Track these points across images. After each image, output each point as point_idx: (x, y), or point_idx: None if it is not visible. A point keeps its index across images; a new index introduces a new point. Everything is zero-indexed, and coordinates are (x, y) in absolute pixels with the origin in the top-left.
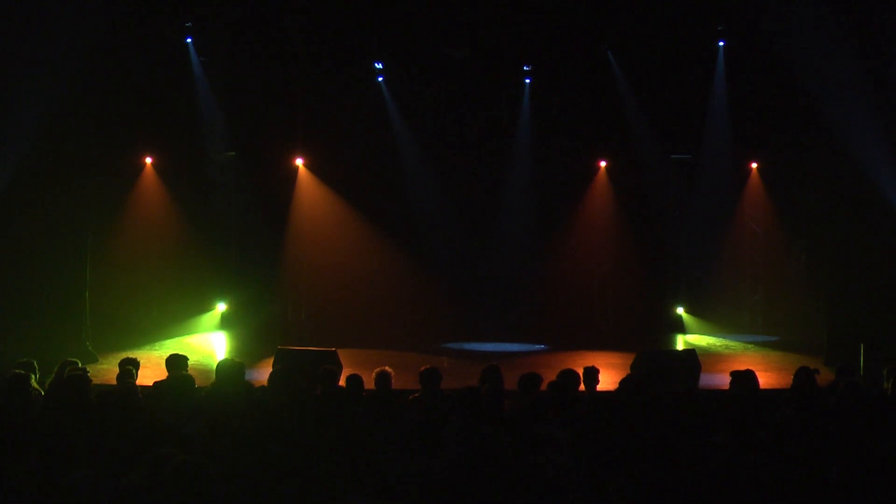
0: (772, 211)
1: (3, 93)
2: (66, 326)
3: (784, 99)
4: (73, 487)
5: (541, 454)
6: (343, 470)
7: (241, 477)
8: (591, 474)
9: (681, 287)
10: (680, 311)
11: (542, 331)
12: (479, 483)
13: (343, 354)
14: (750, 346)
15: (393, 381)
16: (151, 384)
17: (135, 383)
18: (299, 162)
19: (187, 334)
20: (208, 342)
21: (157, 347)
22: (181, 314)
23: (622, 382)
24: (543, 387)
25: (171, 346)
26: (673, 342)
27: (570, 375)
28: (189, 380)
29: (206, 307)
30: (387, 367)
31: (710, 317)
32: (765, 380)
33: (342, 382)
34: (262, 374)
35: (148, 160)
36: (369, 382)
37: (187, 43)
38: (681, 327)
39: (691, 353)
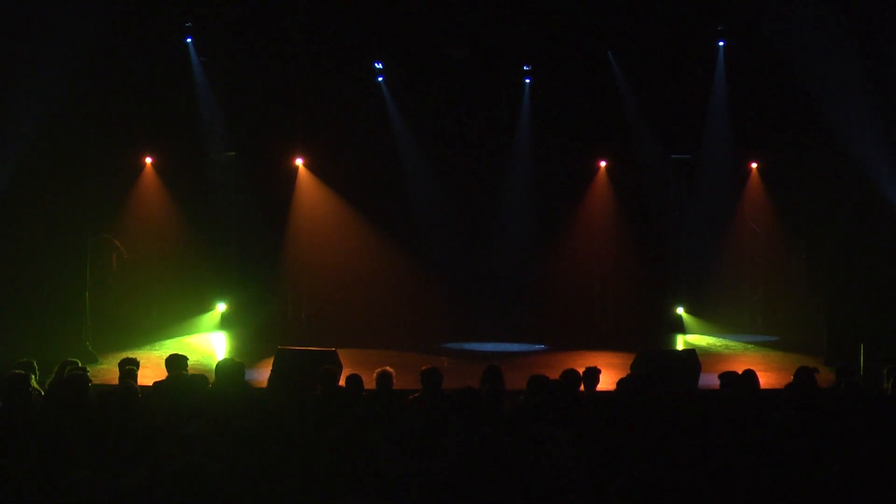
0: (772, 211)
1: (3, 93)
2: (66, 326)
3: (784, 99)
4: (73, 487)
5: (541, 454)
6: (343, 470)
7: (242, 477)
8: (591, 474)
9: (681, 287)
10: (680, 311)
11: (542, 331)
12: (479, 483)
13: (343, 354)
14: (750, 346)
15: (394, 381)
16: (151, 384)
17: (136, 383)
18: (299, 162)
19: (187, 334)
20: (208, 342)
21: (157, 347)
22: (181, 314)
23: (620, 382)
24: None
25: (171, 346)
26: (673, 342)
27: (572, 375)
28: (200, 379)
29: (206, 307)
30: (388, 368)
31: (710, 317)
32: (765, 380)
33: (342, 382)
34: (262, 374)
35: (148, 160)
36: (369, 382)
37: (187, 43)
38: (681, 327)
39: (691, 353)
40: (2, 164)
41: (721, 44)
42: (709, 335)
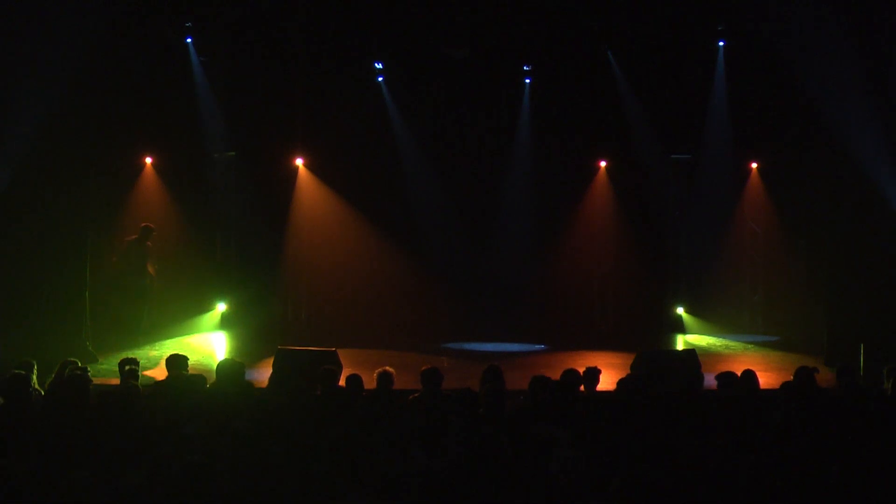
0: (772, 211)
1: (3, 93)
2: (66, 326)
3: (784, 99)
4: (73, 487)
5: (541, 454)
6: (343, 470)
7: (242, 477)
8: (591, 474)
9: (681, 287)
10: (680, 311)
11: (542, 331)
12: (479, 483)
13: (343, 354)
14: (750, 346)
15: (394, 381)
16: (152, 384)
17: (138, 383)
18: (299, 162)
19: (187, 334)
20: (208, 342)
21: (157, 347)
22: (181, 314)
23: (620, 382)
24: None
25: (171, 346)
26: (673, 342)
27: (572, 375)
28: (199, 379)
29: (206, 307)
30: (388, 367)
31: (710, 317)
32: (765, 380)
33: (342, 382)
34: (262, 374)
35: (148, 160)
36: (369, 382)
37: (187, 43)
38: (681, 327)
39: (691, 353)
40: (2, 164)
41: (721, 44)
42: (709, 335)
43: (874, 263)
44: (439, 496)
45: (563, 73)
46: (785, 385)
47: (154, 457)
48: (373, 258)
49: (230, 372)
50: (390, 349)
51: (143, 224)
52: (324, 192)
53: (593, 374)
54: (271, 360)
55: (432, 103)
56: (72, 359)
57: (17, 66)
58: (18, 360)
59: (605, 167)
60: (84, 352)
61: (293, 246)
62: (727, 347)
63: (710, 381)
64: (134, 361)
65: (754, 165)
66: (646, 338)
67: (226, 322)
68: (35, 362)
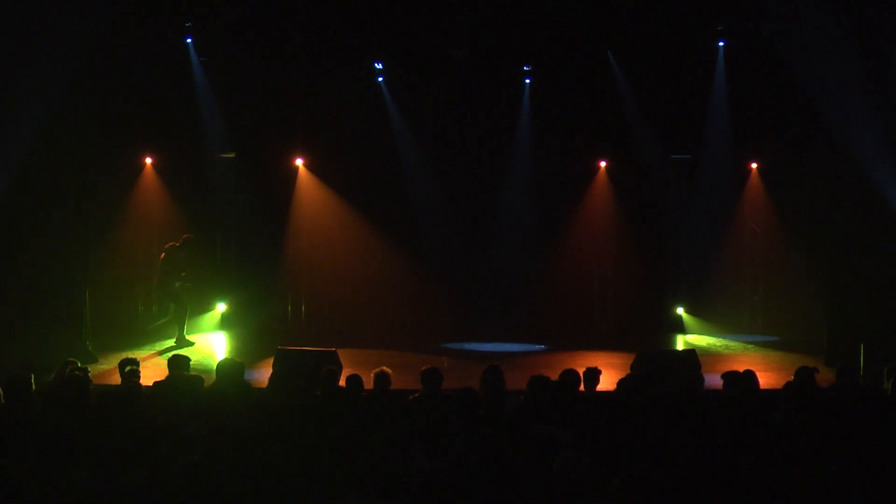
0: (772, 211)
1: (3, 93)
2: (66, 326)
3: (784, 99)
4: (73, 487)
5: (541, 454)
6: (343, 470)
7: (242, 477)
8: (591, 474)
9: (681, 287)
10: (680, 311)
11: (542, 331)
12: (479, 483)
13: (343, 354)
14: (750, 346)
15: (392, 381)
16: (152, 384)
17: (139, 383)
18: (299, 162)
19: (187, 334)
20: (208, 342)
21: (157, 347)
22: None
23: (620, 382)
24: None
25: (170, 346)
26: (673, 342)
27: (571, 375)
28: (196, 380)
29: (206, 307)
30: (385, 367)
31: (710, 317)
32: (765, 380)
33: (342, 382)
34: (262, 374)
35: (148, 160)
36: (369, 382)
37: (187, 43)
38: (681, 327)
39: (691, 353)
40: (2, 164)
41: (721, 44)
42: (709, 335)
43: (874, 263)
44: (439, 496)
45: (563, 73)
46: (787, 385)
47: (154, 457)
48: (373, 258)
49: (230, 372)
50: (390, 349)
51: (186, 235)
52: (324, 192)
53: (593, 374)
54: (271, 360)
55: (432, 103)
56: (72, 359)
57: (17, 66)
58: (18, 360)
59: (605, 167)
60: (84, 352)
61: (293, 246)
62: (727, 347)
63: (711, 380)
64: (134, 361)
65: (754, 165)
66: (646, 338)
67: (226, 322)
68: (35, 362)
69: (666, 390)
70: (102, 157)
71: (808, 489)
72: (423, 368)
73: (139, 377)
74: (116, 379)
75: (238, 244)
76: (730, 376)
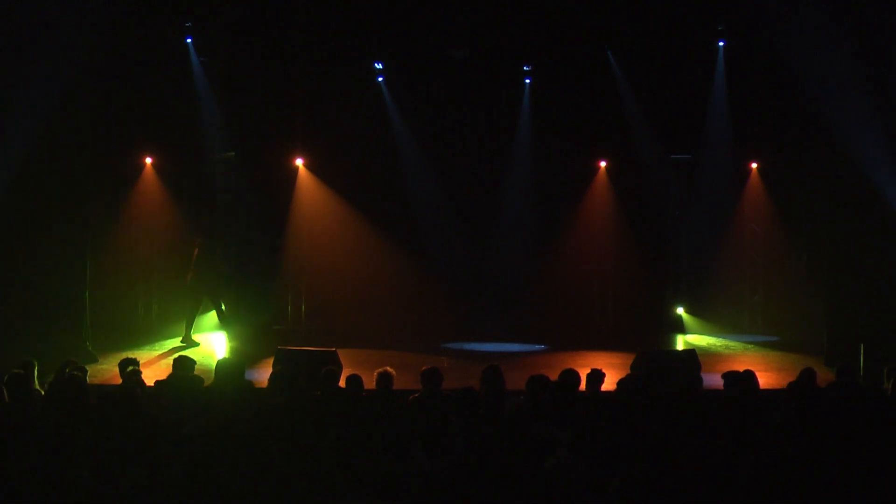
0: (772, 211)
1: (3, 93)
2: (66, 326)
3: (784, 99)
4: (73, 487)
5: (541, 454)
6: (343, 470)
7: (242, 477)
8: (591, 474)
9: (681, 287)
10: (680, 311)
11: (542, 331)
12: (479, 483)
13: (343, 354)
14: (750, 346)
15: (394, 381)
16: (152, 384)
17: (140, 381)
18: (299, 162)
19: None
20: (208, 342)
21: (157, 347)
22: (181, 314)
23: (620, 382)
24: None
25: (171, 346)
26: (673, 342)
27: (571, 375)
28: (197, 380)
29: (206, 307)
30: (388, 368)
31: (710, 317)
32: (765, 380)
33: (342, 383)
34: (262, 374)
35: (148, 160)
36: (369, 382)
37: (187, 43)
38: (681, 327)
39: (691, 353)
40: (2, 164)
41: (721, 44)
42: (709, 335)
43: (874, 263)
44: (439, 496)
45: (563, 73)
46: (791, 385)
47: (154, 457)
48: (373, 258)
49: (230, 371)
50: (390, 349)
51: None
52: (324, 193)
53: (597, 376)
54: (271, 360)
55: (432, 103)
56: (72, 359)
57: (17, 67)
58: (18, 360)
59: (605, 167)
60: (84, 352)
61: (293, 246)
62: (727, 347)
63: (711, 380)
64: (134, 361)
65: (754, 165)
66: (646, 338)
67: (226, 322)
68: (35, 362)
69: (666, 390)
70: (102, 157)
71: (808, 489)
72: (424, 368)
73: (139, 377)
74: (116, 379)
75: (238, 244)
76: (730, 376)
